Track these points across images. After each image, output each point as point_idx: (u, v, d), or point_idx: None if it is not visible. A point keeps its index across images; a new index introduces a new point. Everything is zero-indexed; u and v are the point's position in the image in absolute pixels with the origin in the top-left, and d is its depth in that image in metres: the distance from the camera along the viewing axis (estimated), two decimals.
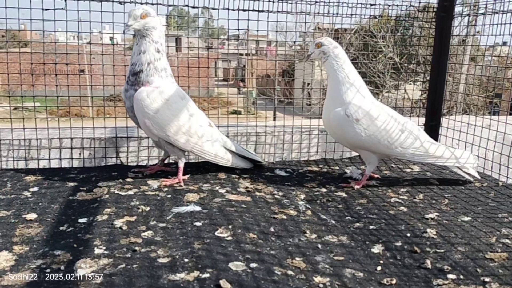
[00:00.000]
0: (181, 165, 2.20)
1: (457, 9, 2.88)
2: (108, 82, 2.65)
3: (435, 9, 2.84)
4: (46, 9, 2.29)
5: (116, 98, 2.96)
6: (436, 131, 2.90)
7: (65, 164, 2.48)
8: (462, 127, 2.81)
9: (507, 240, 1.58)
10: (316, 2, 2.67)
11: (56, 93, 2.46)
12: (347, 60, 2.23)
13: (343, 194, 2.14)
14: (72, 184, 2.08)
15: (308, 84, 7.20)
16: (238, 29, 2.70)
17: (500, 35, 2.47)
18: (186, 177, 2.22)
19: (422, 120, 2.98)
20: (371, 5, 2.76)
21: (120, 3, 2.38)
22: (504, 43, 3.03)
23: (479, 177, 2.37)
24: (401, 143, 2.16)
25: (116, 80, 2.54)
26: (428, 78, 2.98)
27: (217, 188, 2.08)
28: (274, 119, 6.12)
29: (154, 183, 2.09)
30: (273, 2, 2.59)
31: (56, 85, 2.44)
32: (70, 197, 1.90)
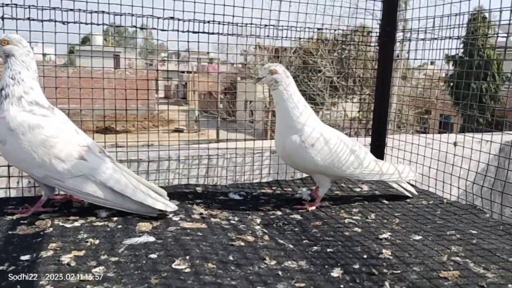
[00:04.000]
0: (44, 198, 2.01)
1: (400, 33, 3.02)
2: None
3: (377, 34, 2.97)
4: None
5: None
6: (382, 151, 3.01)
7: (1, 194, 2.30)
8: (406, 146, 2.93)
9: (457, 258, 1.65)
10: (262, 25, 2.70)
11: None
12: (296, 90, 2.27)
13: (298, 217, 2.14)
14: (10, 217, 1.92)
15: (251, 102, 7.29)
16: (178, 50, 2.66)
17: (427, 59, 2.69)
18: (44, 209, 2.01)
19: (368, 140, 3.08)
20: (318, 29, 2.84)
21: (63, 23, 2.28)
22: (432, 63, 3.25)
23: (416, 193, 2.51)
24: (352, 164, 2.22)
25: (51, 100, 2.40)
26: (363, 96, 3.11)
27: (170, 215, 2.01)
28: (218, 137, 6.11)
29: (102, 212, 1.98)
30: (212, 23, 2.58)
31: None
32: (10, 232, 1.75)
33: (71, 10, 2.26)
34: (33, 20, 2.21)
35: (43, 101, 1.97)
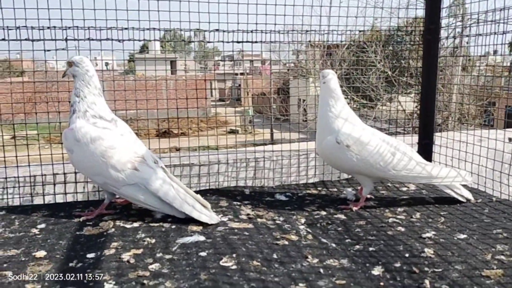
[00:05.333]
0: (106, 201, 2.21)
1: (445, 27, 2.95)
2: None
3: (421, 32, 2.94)
4: (48, 50, 2.38)
5: None
6: (429, 150, 2.97)
7: (70, 198, 2.53)
8: (455, 144, 2.86)
9: (502, 257, 1.63)
10: (307, 31, 2.78)
11: (58, 120, 2.54)
12: (339, 89, 2.33)
13: (342, 217, 2.19)
14: (78, 219, 2.12)
15: (304, 100, 7.31)
16: (233, 51, 2.78)
17: (489, 45, 2.57)
18: (107, 211, 2.19)
19: (416, 138, 3.05)
20: (360, 31, 2.86)
21: (119, 41, 2.47)
22: (495, 52, 3.12)
23: (472, 199, 2.39)
24: (394, 166, 2.23)
25: (116, 105, 2.61)
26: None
27: (219, 216, 2.13)
28: (272, 137, 6.16)
29: (157, 214, 2.13)
30: (266, 24, 2.68)
31: (58, 112, 2.52)
32: (77, 232, 1.94)
33: (125, 28, 2.45)
34: (92, 40, 2.42)
35: (106, 114, 2.16)
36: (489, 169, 2.61)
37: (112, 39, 2.43)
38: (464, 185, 2.48)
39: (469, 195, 2.38)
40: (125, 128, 2.20)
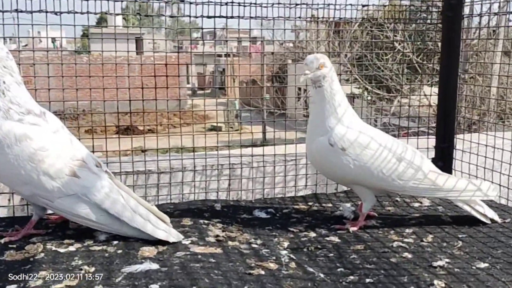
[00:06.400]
0: (34, 218, 2.17)
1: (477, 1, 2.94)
2: (52, 96, 2.67)
3: (439, 9, 2.98)
4: None
5: (65, 116, 2.98)
6: (450, 155, 3.00)
7: None
8: (485, 149, 2.88)
9: None
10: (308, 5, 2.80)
11: None
12: (337, 79, 2.34)
13: (336, 239, 2.20)
14: None
15: (305, 90, 7.30)
16: (214, 28, 2.78)
17: None
18: (36, 231, 2.17)
19: (432, 141, 3.08)
20: (375, 5, 2.89)
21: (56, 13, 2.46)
22: None
23: (499, 220, 2.41)
24: (400, 175, 2.25)
25: (64, 94, 2.60)
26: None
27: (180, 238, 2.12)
28: (264, 136, 6.09)
29: (101, 235, 2.12)
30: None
31: None
32: None
33: None
34: (34, 12, 2.41)
35: (34, 106, 2.12)
36: None
37: (60, 12, 2.43)
38: (490, 201, 2.51)
39: (494, 215, 2.39)
40: (57, 123, 2.17)
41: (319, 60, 2.26)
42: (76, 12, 2.46)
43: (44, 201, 2.08)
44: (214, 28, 2.83)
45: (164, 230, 2.07)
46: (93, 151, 2.59)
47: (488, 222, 2.38)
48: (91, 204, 2.05)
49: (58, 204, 2.06)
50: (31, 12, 2.42)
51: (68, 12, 2.45)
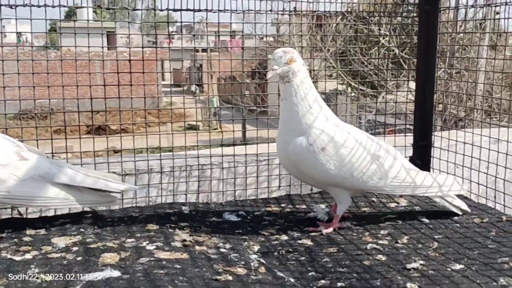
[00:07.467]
0: None
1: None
2: (15, 95, 2.65)
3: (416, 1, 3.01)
4: None
5: (28, 115, 2.96)
6: (428, 153, 3.04)
7: None
8: (463, 147, 2.92)
9: None
10: None
11: None
12: (309, 76, 2.35)
13: (308, 242, 2.21)
14: None
15: None
16: (194, 22, 2.82)
17: None
18: None
19: (410, 139, 3.11)
20: None
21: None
22: None
23: (468, 210, 2.51)
24: (374, 174, 2.29)
25: (25, 91, 2.60)
26: (439, 73, 3.08)
27: (144, 243, 2.11)
28: (244, 135, 6.08)
29: (60, 241, 2.11)
30: None
31: None
32: None
33: None
34: (3, 5, 2.39)
35: None
36: (502, 179, 2.68)
37: (31, 5, 2.41)
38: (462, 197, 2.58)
39: (465, 206, 2.51)
40: None
41: (287, 54, 2.24)
42: (47, 6, 2.46)
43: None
44: (194, 22, 2.83)
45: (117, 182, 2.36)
46: (66, 152, 2.63)
47: (460, 213, 2.48)
48: (51, 182, 2.14)
49: (17, 192, 2.09)
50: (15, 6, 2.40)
51: (39, 6, 2.45)
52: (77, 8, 2.97)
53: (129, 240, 2.16)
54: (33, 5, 2.44)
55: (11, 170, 2.08)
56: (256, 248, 2.14)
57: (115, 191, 2.39)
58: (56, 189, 2.18)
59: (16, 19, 2.50)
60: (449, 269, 1.89)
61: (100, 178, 2.33)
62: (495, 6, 3.02)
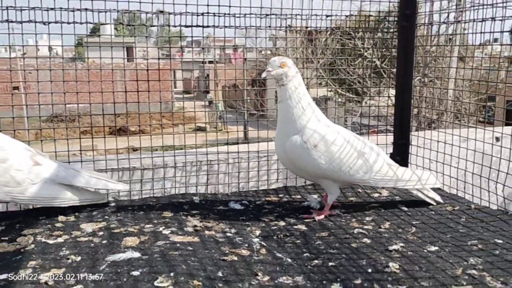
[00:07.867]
0: None
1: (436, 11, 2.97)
2: (47, 100, 2.65)
3: (395, 18, 3.01)
4: None
5: (58, 118, 2.97)
6: (406, 151, 3.03)
7: None
8: (437, 144, 2.92)
9: (473, 271, 1.68)
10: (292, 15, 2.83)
11: None
12: (303, 83, 2.34)
13: (303, 227, 2.21)
14: None
15: None
16: (203, 36, 2.80)
17: (486, 32, 2.51)
18: None
19: (390, 138, 3.11)
20: (346, 16, 2.92)
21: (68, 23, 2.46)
22: (495, 40, 3.11)
23: (441, 200, 2.52)
24: (360, 168, 2.28)
25: (55, 97, 2.60)
26: (414, 81, 3.08)
27: (160, 229, 2.11)
28: (245, 135, 6.10)
29: (88, 227, 2.10)
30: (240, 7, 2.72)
31: None
32: None
33: (78, 10, 2.45)
34: (37, 22, 2.41)
35: None
36: (470, 172, 2.68)
37: (61, 22, 2.43)
38: (437, 189, 2.58)
39: (439, 198, 2.52)
40: None
41: (280, 59, 2.28)
42: (76, 22, 2.47)
43: (16, 195, 2.11)
44: (203, 37, 2.84)
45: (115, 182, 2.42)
46: (92, 150, 2.64)
47: (434, 203, 2.50)
48: (59, 184, 2.20)
49: (29, 194, 2.12)
50: (21, 22, 2.39)
51: (68, 23, 2.46)
52: (101, 24, 2.96)
53: (147, 225, 2.16)
54: (63, 22, 2.46)
55: (26, 174, 2.12)
56: (257, 232, 2.14)
57: (114, 191, 2.52)
58: (63, 190, 2.23)
59: (48, 34, 2.49)
60: (425, 251, 1.89)
61: (102, 179, 2.38)
62: (464, 23, 3.01)
